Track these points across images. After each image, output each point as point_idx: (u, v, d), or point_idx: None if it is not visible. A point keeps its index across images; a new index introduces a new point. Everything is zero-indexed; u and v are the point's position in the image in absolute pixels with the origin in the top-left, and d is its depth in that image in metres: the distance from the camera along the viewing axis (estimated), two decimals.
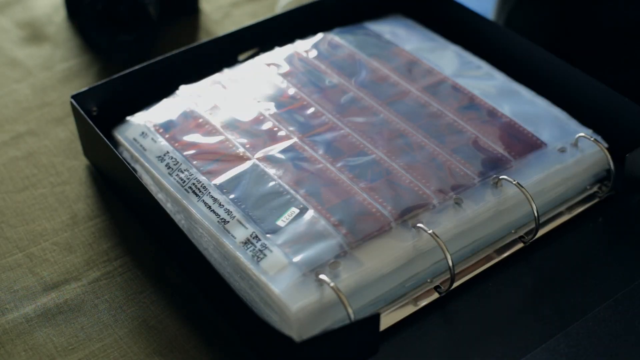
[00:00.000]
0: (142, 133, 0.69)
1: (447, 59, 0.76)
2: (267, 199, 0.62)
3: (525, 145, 0.67)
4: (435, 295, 0.61)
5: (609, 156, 0.67)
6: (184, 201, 0.64)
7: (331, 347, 0.56)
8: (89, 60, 0.87)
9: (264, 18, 0.80)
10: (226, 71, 0.76)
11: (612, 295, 0.61)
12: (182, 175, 0.65)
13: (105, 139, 0.66)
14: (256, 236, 0.60)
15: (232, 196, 0.63)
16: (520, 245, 0.65)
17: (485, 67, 0.76)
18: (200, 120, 0.70)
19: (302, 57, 0.76)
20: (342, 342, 0.55)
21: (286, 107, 0.71)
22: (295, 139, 0.68)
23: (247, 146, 0.67)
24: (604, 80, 0.71)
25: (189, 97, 0.72)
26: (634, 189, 0.68)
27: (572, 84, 0.73)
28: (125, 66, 0.76)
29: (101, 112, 0.72)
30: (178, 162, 0.66)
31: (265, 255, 0.59)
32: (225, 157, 0.66)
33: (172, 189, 0.65)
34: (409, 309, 0.60)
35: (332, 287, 0.56)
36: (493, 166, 0.65)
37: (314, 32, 0.80)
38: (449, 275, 0.60)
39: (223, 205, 0.62)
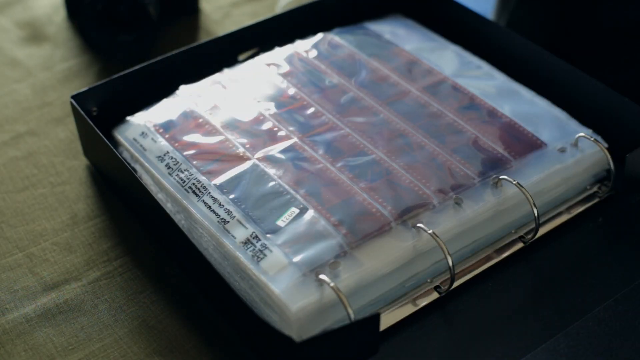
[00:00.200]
0: (142, 133, 0.69)
1: (447, 59, 0.76)
2: (267, 199, 0.62)
3: (525, 145, 0.67)
4: (435, 295, 0.61)
5: (609, 156, 0.67)
6: (184, 201, 0.64)
7: (331, 347, 0.56)
8: (89, 60, 0.87)
9: (264, 18, 0.80)
10: (226, 71, 0.76)
11: (612, 295, 0.61)
12: (182, 175, 0.65)
13: (105, 139, 0.66)
14: (256, 236, 0.60)
15: (232, 196, 0.63)
16: (520, 245, 0.65)
17: (485, 67, 0.76)
18: (200, 120, 0.70)
19: (302, 57, 0.77)
20: (342, 342, 0.55)
21: (286, 107, 0.71)
22: (295, 139, 0.68)
23: (247, 146, 0.67)
24: (604, 80, 0.71)
25: (189, 97, 0.72)
26: (634, 189, 0.68)
27: (572, 84, 0.73)
28: (125, 66, 0.76)
29: (101, 112, 0.72)
30: (178, 162, 0.66)
31: (265, 255, 0.59)
32: (225, 157, 0.66)
33: (172, 189, 0.65)
34: (409, 309, 0.60)
35: (332, 287, 0.56)
36: (493, 166, 0.65)
37: (314, 32, 0.80)
38: (449, 275, 0.60)
39: (223, 205, 0.62)
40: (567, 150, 0.67)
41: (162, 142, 0.68)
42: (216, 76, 0.75)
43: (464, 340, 0.60)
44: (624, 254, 0.65)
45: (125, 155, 0.69)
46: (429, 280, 0.62)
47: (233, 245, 0.60)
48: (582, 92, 0.72)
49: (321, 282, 0.57)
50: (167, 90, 0.74)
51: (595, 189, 0.69)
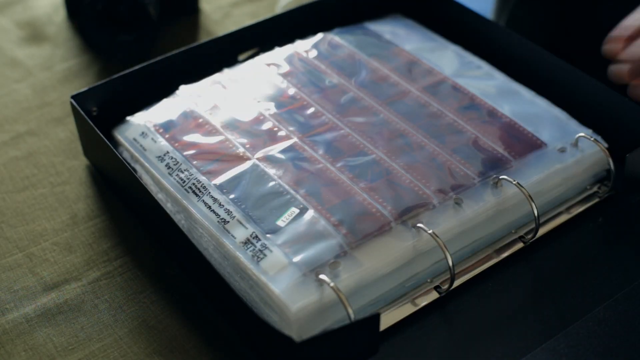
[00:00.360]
0: (142, 133, 0.69)
1: (447, 59, 0.76)
2: (267, 199, 0.62)
3: (525, 145, 0.67)
4: (435, 295, 0.61)
5: (609, 156, 0.67)
6: (184, 201, 0.64)
7: (331, 347, 0.55)
8: (89, 60, 0.87)
9: (264, 18, 0.80)
10: (226, 71, 0.76)
11: (612, 295, 0.61)
12: (182, 175, 0.65)
13: (105, 139, 0.66)
14: (256, 236, 0.60)
15: (232, 196, 0.63)
16: (520, 245, 0.65)
17: (485, 67, 0.76)
18: (200, 120, 0.70)
19: (302, 57, 0.77)
20: (342, 342, 0.55)
21: (286, 107, 0.71)
22: (295, 139, 0.68)
23: (247, 146, 0.67)
24: (603, 80, 0.71)
25: (189, 97, 0.72)
26: (634, 189, 0.68)
27: (572, 84, 0.73)
28: (125, 66, 0.76)
29: (101, 112, 0.72)
30: (178, 162, 0.66)
31: (265, 255, 0.59)
32: (225, 157, 0.66)
33: (172, 189, 0.65)
34: (409, 309, 0.60)
35: (332, 287, 0.56)
36: (493, 166, 0.65)
37: (314, 32, 0.80)
38: (449, 275, 0.60)
39: (223, 205, 0.62)
40: (567, 150, 0.67)
41: (162, 142, 0.68)
42: (216, 76, 0.75)
43: (464, 340, 0.60)
44: (624, 254, 0.65)
45: (125, 155, 0.69)
46: (429, 280, 0.62)
47: (233, 245, 0.60)
48: (582, 92, 0.72)
49: (321, 282, 0.57)
50: (167, 90, 0.74)
51: (595, 189, 0.69)
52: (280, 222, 0.61)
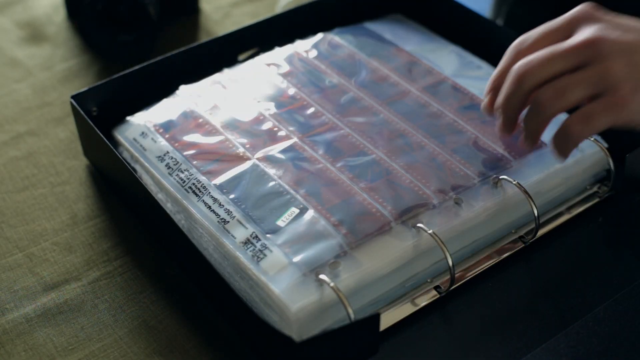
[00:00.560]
0: (142, 133, 0.69)
1: (447, 59, 0.76)
2: (267, 199, 0.62)
3: None
4: (435, 295, 0.61)
5: (609, 156, 0.67)
6: (184, 201, 0.64)
7: (331, 347, 0.55)
8: (89, 60, 0.87)
9: (264, 18, 0.80)
10: (226, 71, 0.76)
11: (612, 295, 0.61)
12: (182, 175, 0.65)
13: (105, 139, 0.66)
14: (256, 236, 0.60)
15: (232, 196, 0.63)
16: (520, 245, 0.65)
17: (485, 67, 0.76)
18: (200, 120, 0.70)
19: (302, 57, 0.77)
20: (342, 342, 0.55)
21: (286, 107, 0.71)
22: (295, 139, 0.68)
23: (247, 146, 0.67)
24: None
25: (189, 97, 0.72)
26: (634, 189, 0.68)
27: None
28: (125, 66, 0.76)
29: (101, 112, 0.72)
30: (178, 162, 0.66)
31: (265, 255, 0.59)
32: (225, 157, 0.66)
33: (172, 189, 0.65)
34: (409, 309, 0.60)
35: (332, 287, 0.56)
36: (493, 166, 0.65)
37: (314, 32, 0.80)
38: (449, 275, 0.60)
39: (223, 205, 0.62)
40: None
41: (162, 142, 0.68)
42: (216, 76, 0.75)
43: (464, 340, 0.60)
44: (624, 254, 0.65)
45: (125, 155, 0.69)
46: (429, 280, 0.62)
47: (233, 245, 0.60)
48: None
49: (321, 282, 0.57)
50: (167, 90, 0.74)
51: (595, 189, 0.69)
52: (280, 222, 0.61)
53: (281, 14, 0.82)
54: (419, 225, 0.60)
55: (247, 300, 0.58)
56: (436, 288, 0.61)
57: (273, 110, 0.71)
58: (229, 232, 0.61)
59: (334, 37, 0.79)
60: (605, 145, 0.68)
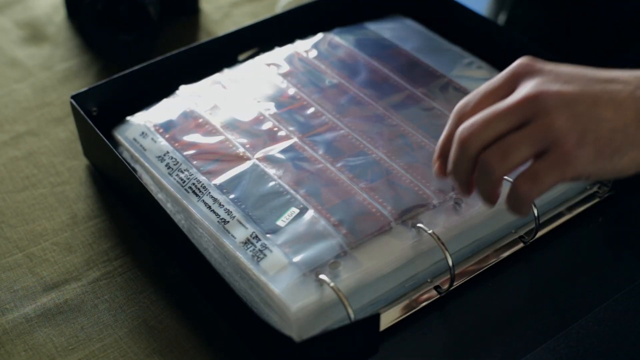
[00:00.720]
0: (142, 133, 0.69)
1: (447, 59, 0.76)
2: (267, 199, 0.62)
3: None
4: (435, 295, 0.61)
5: None
6: (184, 201, 0.64)
7: (331, 347, 0.55)
8: (89, 60, 0.87)
9: (264, 18, 0.80)
10: (226, 71, 0.76)
11: (612, 295, 0.61)
12: (182, 175, 0.65)
13: (105, 139, 0.66)
14: (256, 236, 0.60)
15: (232, 196, 0.63)
16: (520, 245, 0.65)
17: (485, 67, 0.76)
18: (200, 120, 0.70)
19: (302, 57, 0.76)
20: (342, 342, 0.55)
21: (286, 107, 0.71)
22: (295, 139, 0.68)
23: (247, 146, 0.67)
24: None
25: (189, 97, 0.72)
26: (634, 189, 0.68)
27: None
28: (125, 66, 0.76)
29: (101, 112, 0.72)
30: (178, 162, 0.66)
31: (265, 255, 0.59)
32: (225, 157, 0.66)
33: (172, 189, 0.65)
34: (409, 309, 0.60)
35: (332, 287, 0.56)
36: None
37: (314, 32, 0.80)
38: (449, 275, 0.60)
39: (223, 205, 0.62)
40: None
41: (162, 142, 0.68)
42: (216, 76, 0.75)
43: (464, 340, 0.60)
44: (624, 254, 0.65)
45: (125, 155, 0.69)
46: (429, 280, 0.62)
47: (233, 245, 0.60)
48: None
49: (321, 282, 0.57)
50: (167, 90, 0.74)
51: (595, 189, 0.69)
52: (280, 222, 0.61)
53: (281, 14, 0.82)
54: (419, 225, 0.60)
55: (247, 301, 0.58)
56: (436, 288, 0.61)
57: (273, 110, 0.71)
58: (229, 232, 0.61)
59: (334, 37, 0.79)
60: None
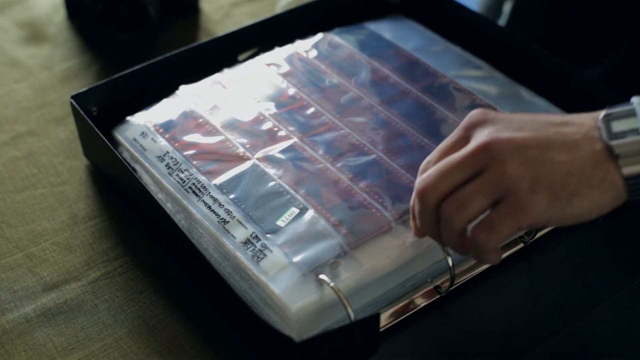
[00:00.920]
0: (142, 133, 0.69)
1: (447, 59, 0.76)
2: (267, 199, 0.62)
3: None
4: (435, 295, 0.61)
5: None
6: (184, 201, 0.64)
7: (331, 347, 0.55)
8: (89, 60, 0.87)
9: (264, 18, 0.80)
10: (226, 71, 0.76)
11: (612, 295, 0.61)
12: (182, 175, 0.65)
13: (105, 139, 0.66)
14: (256, 236, 0.60)
15: (232, 196, 0.63)
16: (520, 245, 0.65)
17: (485, 67, 0.76)
18: (200, 120, 0.70)
19: (302, 57, 0.77)
20: (342, 342, 0.55)
21: (286, 107, 0.71)
22: (295, 139, 0.68)
23: (247, 146, 0.67)
24: (603, 80, 0.71)
25: (189, 97, 0.72)
26: None
27: (572, 84, 0.73)
28: (125, 66, 0.76)
29: (101, 112, 0.72)
30: (178, 162, 0.66)
31: (265, 255, 0.59)
32: (225, 157, 0.66)
33: (172, 189, 0.65)
34: (409, 309, 0.60)
35: (332, 287, 0.56)
36: None
37: (314, 32, 0.80)
38: (449, 275, 0.60)
39: (223, 205, 0.62)
40: None
41: (162, 142, 0.68)
42: (216, 76, 0.75)
43: (464, 340, 0.60)
44: (624, 254, 0.65)
45: (125, 155, 0.69)
46: (429, 280, 0.62)
47: (233, 245, 0.60)
48: (581, 92, 0.72)
49: (321, 282, 0.57)
50: (167, 90, 0.74)
51: None
52: (280, 222, 0.61)
53: (281, 14, 0.82)
54: None
55: (247, 301, 0.58)
56: (436, 288, 0.61)
57: (273, 110, 0.71)
58: (229, 232, 0.61)
59: (334, 37, 0.79)
60: None
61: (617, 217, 0.67)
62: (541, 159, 0.50)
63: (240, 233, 0.60)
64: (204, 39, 0.86)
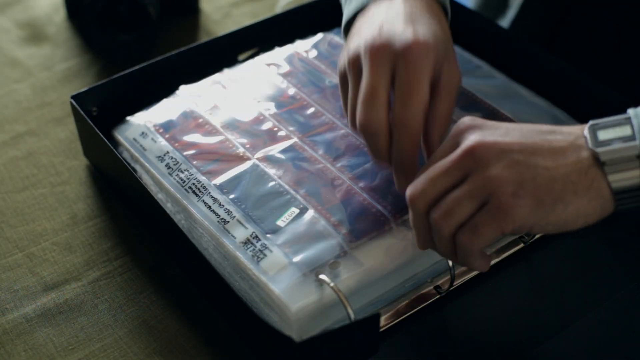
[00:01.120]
0: (142, 133, 0.69)
1: None
2: (267, 199, 0.62)
3: None
4: (435, 295, 0.61)
5: None
6: (184, 201, 0.64)
7: (331, 347, 0.56)
8: (89, 60, 0.87)
9: (264, 18, 0.81)
10: (226, 71, 0.76)
11: (612, 295, 0.61)
12: (182, 175, 0.65)
13: (105, 139, 0.66)
14: (256, 236, 0.60)
15: (232, 196, 0.63)
16: (520, 245, 0.65)
17: (485, 67, 0.76)
18: (200, 120, 0.70)
19: (302, 57, 0.77)
20: (342, 342, 0.55)
21: (286, 107, 0.71)
22: (295, 139, 0.68)
23: (247, 146, 0.67)
24: (603, 80, 0.71)
25: (189, 97, 0.73)
26: None
27: (571, 84, 0.73)
28: (125, 66, 0.76)
29: (101, 112, 0.72)
30: (178, 162, 0.66)
31: (265, 255, 0.59)
32: (225, 157, 0.66)
33: (172, 189, 0.65)
34: (409, 309, 0.60)
35: (332, 287, 0.56)
36: None
37: (314, 32, 0.80)
38: (449, 275, 0.60)
39: (223, 205, 0.62)
40: None
41: (162, 142, 0.68)
42: (216, 76, 0.75)
43: (464, 340, 0.60)
44: (624, 254, 0.65)
45: (125, 155, 0.69)
46: (429, 280, 0.62)
47: (233, 245, 0.60)
48: (581, 92, 0.72)
49: (321, 282, 0.57)
50: (167, 90, 0.74)
51: None
52: (280, 222, 0.61)
53: (281, 14, 0.82)
54: None
55: (247, 301, 0.58)
56: (436, 288, 0.61)
57: (273, 110, 0.71)
58: (229, 232, 0.61)
59: (334, 37, 0.79)
60: None
61: (617, 217, 0.68)
62: (526, 163, 0.50)
63: (240, 233, 0.60)
64: (204, 39, 0.86)
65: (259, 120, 0.70)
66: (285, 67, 0.75)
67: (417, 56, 0.55)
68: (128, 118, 0.71)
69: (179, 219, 0.64)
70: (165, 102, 0.72)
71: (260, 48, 0.80)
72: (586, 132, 0.51)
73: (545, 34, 0.88)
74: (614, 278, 0.63)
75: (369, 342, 0.57)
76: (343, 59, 0.61)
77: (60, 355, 0.60)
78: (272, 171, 0.65)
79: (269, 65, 0.76)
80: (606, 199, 0.51)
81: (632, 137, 0.50)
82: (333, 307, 0.57)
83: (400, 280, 0.61)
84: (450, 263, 0.59)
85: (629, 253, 0.65)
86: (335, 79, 0.74)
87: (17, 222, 0.70)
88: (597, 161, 0.50)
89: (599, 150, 0.50)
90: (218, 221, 0.61)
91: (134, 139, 0.69)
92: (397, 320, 0.60)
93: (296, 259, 0.58)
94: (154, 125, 0.70)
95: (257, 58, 0.78)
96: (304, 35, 0.80)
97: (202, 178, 0.64)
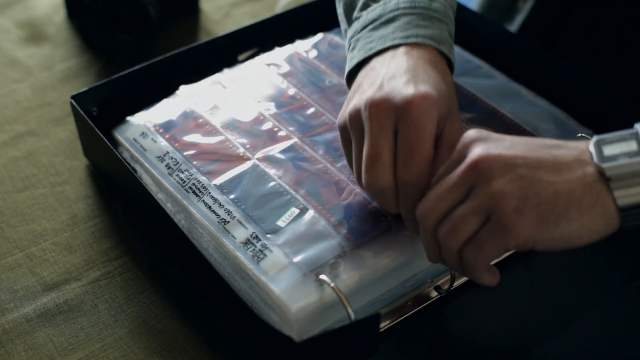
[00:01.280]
0: (142, 133, 0.69)
1: None
2: (267, 199, 0.62)
3: None
4: (436, 295, 0.61)
5: None
6: (184, 201, 0.64)
7: (331, 347, 0.56)
8: (89, 60, 0.87)
9: (264, 18, 0.81)
10: (226, 71, 0.76)
11: (612, 295, 0.61)
12: (182, 176, 0.65)
13: (105, 139, 0.66)
14: (256, 236, 0.60)
15: (232, 196, 0.63)
16: None
17: (485, 67, 0.76)
18: (200, 120, 0.70)
19: (302, 57, 0.77)
20: (342, 342, 0.55)
21: (286, 107, 0.71)
22: (295, 139, 0.68)
23: (247, 146, 0.67)
24: (603, 80, 0.71)
25: (189, 97, 0.72)
26: None
27: (572, 84, 0.73)
28: (125, 66, 0.76)
29: (101, 112, 0.72)
30: (178, 162, 0.66)
31: (265, 255, 0.59)
32: (225, 157, 0.66)
33: (172, 189, 0.65)
34: (409, 309, 0.60)
35: (332, 287, 0.56)
36: None
37: (314, 32, 0.80)
38: (449, 275, 0.60)
39: (223, 206, 0.62)
40: None
41: (162, 142, 0.68)
42: (216, 76, 0.75)
43: (464, 340, 0.60)
44: (624, 254, 0.65)
45: (125, 155, 0.69)
46: (429, 280, 0.62)
47: (233, 245, 0.60)
48: (581, 92, 0.72)
49: (321, 282, 0.57)
50: (167, 90, 0.74)
51: None
52: (281, 222, 0.61)
53: (281, 14, 0.82)
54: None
55: (247, 300, 0.58)
56: (436, 288, 0.61)
57: (273, 110, 0.71)
58: (229, 232, 0.61)
59: (334, 37, 0.79)
60: None
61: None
62: (530, 178, 0.50)
63: (241, 233, 0.60)
64: (204, 39, 0.86)
65: (259, 120, 0.70)
66: (285, 67, 0.75)
67: (418, 112, 0.54)
68: (128, 118, 0.71)
69: (179, 219, 0.64)
70: (165, 102, 0.72)
71: (260, 48, 0.80)
72: (591, 147, 0.51)
73: (548, 35, 0.88)
74: (613, 278, 0.63)
75: (369, 342, 0.57)
76: (344, 113, 0.59)
77: (60, 355, 0.60)
78: (272, 171, 0.65)
79: (269, 65, 0.76)
80: (611, 216, 0.50)
81: (638, 153, 0.50)
82: (333, 307, 0.57)
83: (400, 280, 0.61)
84: None
85: (629, 253, 0.65)
86: (336, 79, 0.74)
87: (17, 222, 0.70)
88: (603, 177, 0.50)
89: (605, 165, 0.49)
90: (218, 221, 0.61)
91: (134, 139, 0.69)
92: (397, 320, 0.60)
93: (296, 259, 0.58)
94: (154, 126, 0.70)
95: (257, 58, 0.78)
96: (304, 35, 0.80)
97: (202, 178, 0.64)
